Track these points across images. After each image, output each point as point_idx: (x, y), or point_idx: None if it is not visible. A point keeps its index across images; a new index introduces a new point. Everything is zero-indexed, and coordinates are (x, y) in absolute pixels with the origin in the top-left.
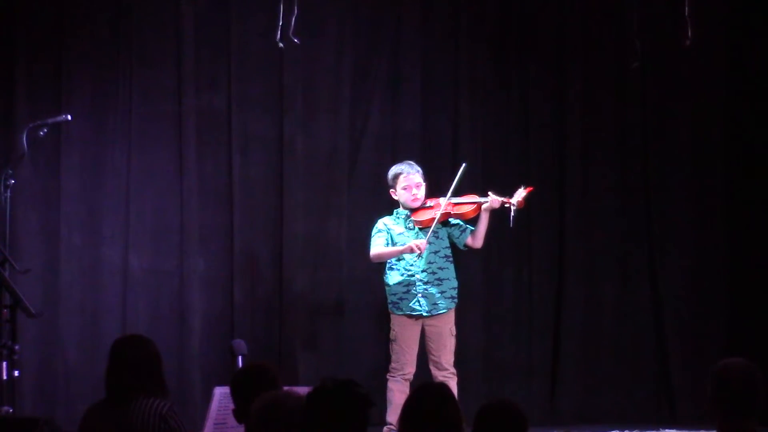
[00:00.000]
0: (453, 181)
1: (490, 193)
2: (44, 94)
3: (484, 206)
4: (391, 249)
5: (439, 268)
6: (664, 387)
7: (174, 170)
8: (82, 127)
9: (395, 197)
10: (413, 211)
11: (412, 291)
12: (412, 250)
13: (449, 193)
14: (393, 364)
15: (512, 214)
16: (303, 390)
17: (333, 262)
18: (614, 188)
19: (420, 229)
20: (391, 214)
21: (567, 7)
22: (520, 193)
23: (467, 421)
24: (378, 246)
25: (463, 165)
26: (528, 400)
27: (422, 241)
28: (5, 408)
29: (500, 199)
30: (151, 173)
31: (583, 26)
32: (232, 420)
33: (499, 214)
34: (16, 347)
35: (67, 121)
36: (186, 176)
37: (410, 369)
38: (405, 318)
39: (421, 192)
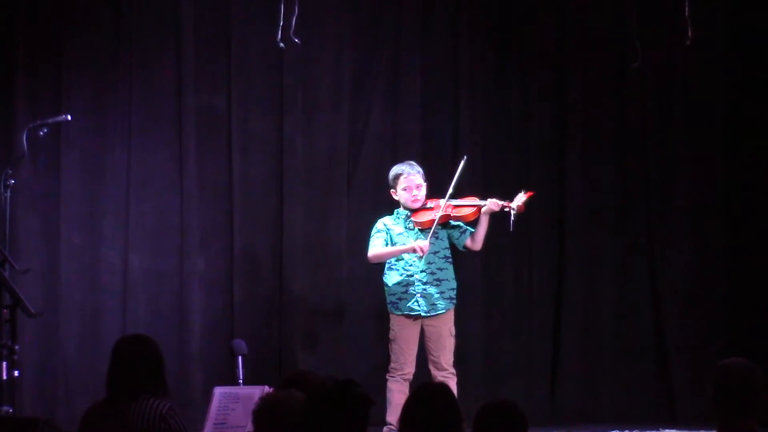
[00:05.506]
0: (454, 175)
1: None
2: (44, 94)
3: (483, 209)
4: (391, 249)
5: (438, 269)
6: (664, 387)
7: (174, 170)
8: (82, 127)
9: (395, 197)
10: (413, 211)
11: (411, 291)
12: (414, 251)
13: (448, 193)
14: (392, 365)
15: (512, 218)
16: None
17: (333, 262)
18: (614, 188)
19: (420, 230)
20: (391, 213)
21: (567, 6)
22: (520, 198)
23: (467, 421)
24: (377, 246)
25: (464, 158)
26: (528, 400)
27: (425, 243)
28: (5, 408)
29: (500, 203)
30: (151, 173)
31: (583, 26)
32: (232, 420)
33: (499, 217)
34: (16, 347)
35: (67, 121)
36: (186, 176)
37: (409, 369)
38: (404, 318)
39: (422, 193)
